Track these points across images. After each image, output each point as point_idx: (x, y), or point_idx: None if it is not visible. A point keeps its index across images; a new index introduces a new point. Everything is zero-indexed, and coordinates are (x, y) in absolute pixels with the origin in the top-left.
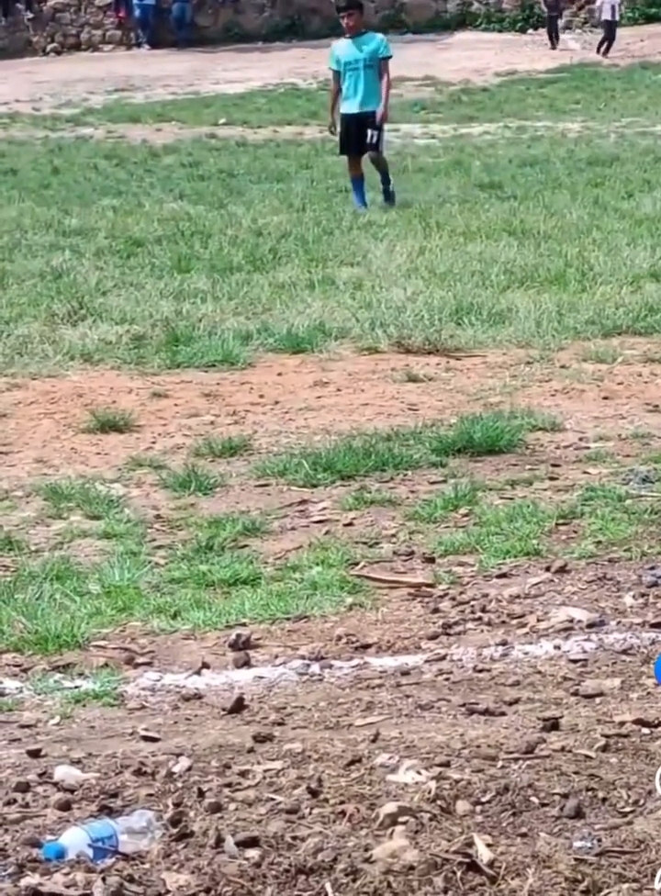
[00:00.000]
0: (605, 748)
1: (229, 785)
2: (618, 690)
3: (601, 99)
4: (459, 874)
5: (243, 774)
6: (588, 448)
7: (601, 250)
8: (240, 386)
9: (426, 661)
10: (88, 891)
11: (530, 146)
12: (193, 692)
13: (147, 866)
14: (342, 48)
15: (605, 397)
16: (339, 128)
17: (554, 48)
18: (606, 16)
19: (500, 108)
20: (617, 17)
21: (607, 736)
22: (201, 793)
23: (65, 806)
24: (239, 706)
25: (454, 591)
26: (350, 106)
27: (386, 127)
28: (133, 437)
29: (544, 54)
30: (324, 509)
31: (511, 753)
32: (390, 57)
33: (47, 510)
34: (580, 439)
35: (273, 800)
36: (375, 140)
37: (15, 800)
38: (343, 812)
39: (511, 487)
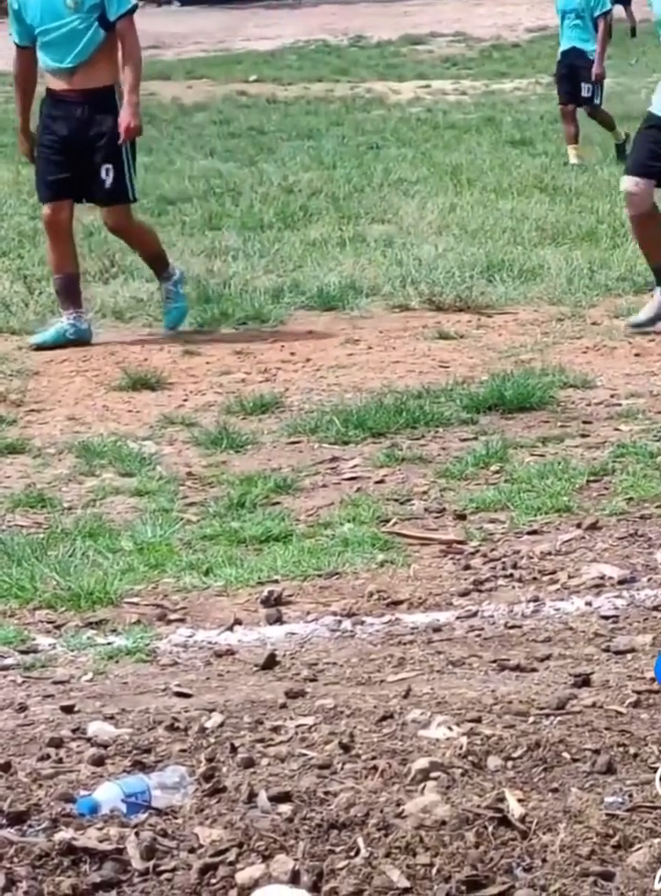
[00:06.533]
0: (636, 704)
1: (261, 740)
2: (649, 646)
3: (632, 55)
4: (490, 829)
5: (275, 729)
6: (619, 405)
7: None
8: (272, 343)
9: (457, 617)
10: (121, 846)
11: None
12: (225, 648)
13: (180, 821)
14: None
15: (636, 355)
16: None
17: None
18: None
19: (532, 64)
20: None
21: (638, 692)
22: (233, 749)
23: (98, 761)
24: (271, 662)
25: (486, 548)
26: None
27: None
28: (165, 395)
29: None
30: (355, 466)
31: (543, 709)
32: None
33: (79, 468)
34: (612, 396)
35: (305, 755)
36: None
37: (48, 756)
38: (375, 768)
39: (542, 444)
